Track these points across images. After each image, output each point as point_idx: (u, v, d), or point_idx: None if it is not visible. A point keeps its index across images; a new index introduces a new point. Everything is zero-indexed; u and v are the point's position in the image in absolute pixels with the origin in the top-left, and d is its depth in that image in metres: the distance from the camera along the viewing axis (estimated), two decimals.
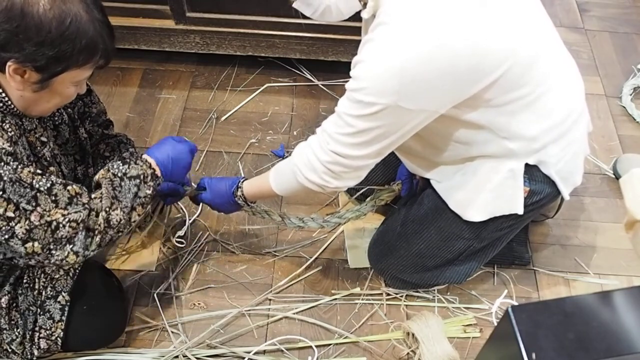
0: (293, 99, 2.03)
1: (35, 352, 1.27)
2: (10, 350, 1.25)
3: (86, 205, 1.10)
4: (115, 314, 1.41)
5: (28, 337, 1.25)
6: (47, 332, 1.26)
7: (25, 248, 1.05)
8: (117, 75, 2.07)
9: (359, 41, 1.10)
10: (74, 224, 1.08)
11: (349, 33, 1.85)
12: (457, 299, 1.57)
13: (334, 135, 1.10)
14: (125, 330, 1.46)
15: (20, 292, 1.25)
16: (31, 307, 1.26)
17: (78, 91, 1.13)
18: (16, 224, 1.03)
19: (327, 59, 1.96)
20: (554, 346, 0.82)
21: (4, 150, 1.02)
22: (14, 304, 1.24)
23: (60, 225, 1.06)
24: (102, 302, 1.36)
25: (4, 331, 1.23)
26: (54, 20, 0.96)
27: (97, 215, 1.12)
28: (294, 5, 1.34)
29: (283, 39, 1.91)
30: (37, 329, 1.26)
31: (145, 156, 1.23)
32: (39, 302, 1.26)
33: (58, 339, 1.27)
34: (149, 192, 1.19)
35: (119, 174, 1.16)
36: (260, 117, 1.97)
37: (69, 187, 1.09)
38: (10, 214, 1.02)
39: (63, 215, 1.07)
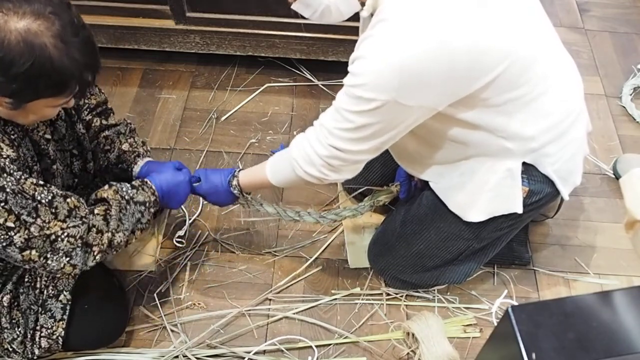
0: (293, 99, 2.03)
1: (36, 351, 1.27)
2: (11, 349, 1.25)
3: (84, 219, 1.12)
4: (116, 314, 1.41)
5: (29, 336, 1.26)
6: (48, 331, 1.27)
7: (22, 255, 1.06)
8: (117, 75, 2.07)
9: None
10: (72, 239, 1.10)
11: (349, 33, 1.85)
12: (457, 299, 1.57)
13: (333, 130, 1.10)
14: (125, 330, 1.46)
15: (21, 291, 1.25)
16: (32, 306, 1.26)
17: (65, 106, 1.09)
18: (15, 234, 1.04)
19: (327, 59, 1.97)
20: (554, 346, 0.82)
21: (8, 159, 1.02)
22: (15, 303, 1.24)
23: (59, 239, 1.08)
24: (103, 301, 1.36)
25: (5, 330, 1.23)
26: (18, 56, 0.91)
27: (98, 233, 1.14)
28: (293, 6, 1.34)
29: (283, 39, 1.91)
30: (38, 328, 1.26)
31: (149, 182, 1.27)
32: (40, 301, 1.27)
33: (59, 338, 1.27)
34: (149, 218, 1.24)
35: (127, 197, 1.21)
36: (260, 117, 1.97)
37: (68, 200, 1.10)
38: (10, 224, 1.03)
39: (62, 228, 1.08)
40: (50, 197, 1.06)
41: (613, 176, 1.84)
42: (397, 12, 1.00)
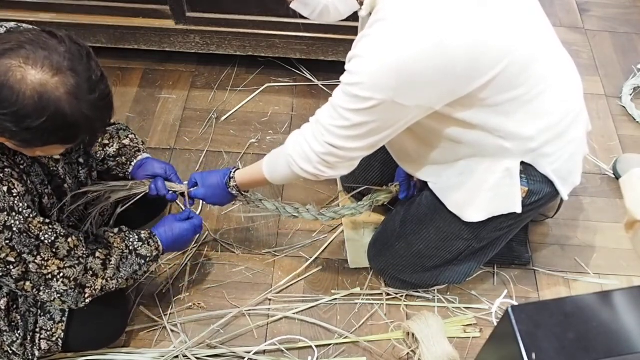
0: (293, 99, 2.03)
1: (37, 353, 1.27)
2: (11, 352, 1.25)
3: (81, 260, 1.15)
4: (116, 315, 1.41)
5: (29, 338, 1.26)
6: (48, 333, 1.27)
7: (17, 285, 1.10)
8: (117, 75, 2.07)
9: None
10: (66, 281, 1.13)
11: (349, 33, 1.85)
12: (457, 299, 1.57)
13: (329, 128, 1.10)
14: (125, 330, 1.46)
15: (20, 294, 1.25)
16: (32, 309, 1.26)
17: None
18: (14, 268, 1.07)
19: (327, 59, 1.97)
20: (554, 346, 0.82)
21: (18, 196, 1.03)
22: (14, 306, 1.24)
23: (55, 279, 1.12)
24: (103, 302, 1.35)
25: (5, 333, 1.23)
26: (32, 111, 0.91)
27: (94, 276, 1.18)
28: (292, 5, 1.34)
29: (283, 39, 1.90)
30: (37, 330, 1.26)
31: (156, 237, 1.30)
32: (39, 303, 1.27)
33: (59, 339, 1.28)
34: (146, 270, 1.28)
35: (131, 247, 1.25)
36: (260, 117, 1.97)
37: (69, 240, 1.13)
38: (11, 259, 1.06)
39: (59, 268, 1.12)
40: (53, 238, 1.10)
41: (613, 176, 1.84)
42: (395, 12, 0.99)
